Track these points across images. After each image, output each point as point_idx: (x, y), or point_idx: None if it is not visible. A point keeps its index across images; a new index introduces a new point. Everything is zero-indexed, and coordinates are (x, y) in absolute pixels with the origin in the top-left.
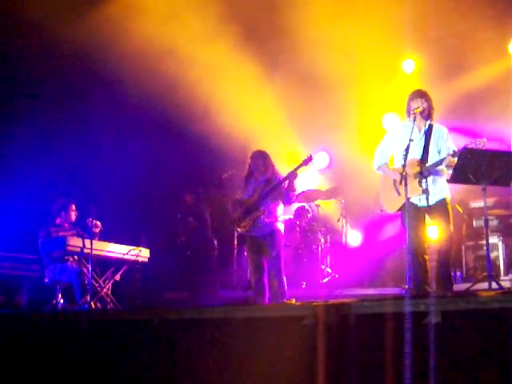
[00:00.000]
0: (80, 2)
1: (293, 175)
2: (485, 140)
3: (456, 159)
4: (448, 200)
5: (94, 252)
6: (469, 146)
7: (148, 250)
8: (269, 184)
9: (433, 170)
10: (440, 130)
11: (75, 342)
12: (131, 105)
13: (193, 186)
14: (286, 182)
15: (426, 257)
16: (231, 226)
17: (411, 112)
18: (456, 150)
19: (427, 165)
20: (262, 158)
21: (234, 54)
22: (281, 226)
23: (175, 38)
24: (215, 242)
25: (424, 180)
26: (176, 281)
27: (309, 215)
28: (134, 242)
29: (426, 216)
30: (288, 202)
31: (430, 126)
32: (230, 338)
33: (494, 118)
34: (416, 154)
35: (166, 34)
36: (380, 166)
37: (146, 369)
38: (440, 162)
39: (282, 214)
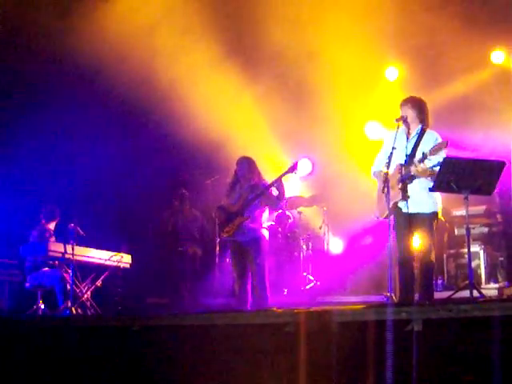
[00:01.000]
0: None
1: (278, 182)
2: (447, 142)
3: (427, 165)
4: (437, 214)
5: (76, 257)
6: (433, 150)
7: (129, 256)
8: (254, 190)
9: (412, 177)
10: (431, 136)
11: (55, 347)
12: (111, 109)
13: (175, 192)
14: (274, 189)
15: (411, 264)
16: (212, 232)
17: (395, 120)
18: (426, 153)
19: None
20: (247, 164)
21: (216, 61)
22: (265, 233)
23: (158, 41)
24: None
25: (407, 185)
26: (158, 287)
27: (289, 221)
28: (115, 247)
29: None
30: (277, 209)
31: (421, 132)
32: (211, 345)
33: (476, 127)
34: (402, 160)
35: (147, 35)
36: (375, 172)
37: (127, 375)
38: (409, 169)
39: (267, 220)
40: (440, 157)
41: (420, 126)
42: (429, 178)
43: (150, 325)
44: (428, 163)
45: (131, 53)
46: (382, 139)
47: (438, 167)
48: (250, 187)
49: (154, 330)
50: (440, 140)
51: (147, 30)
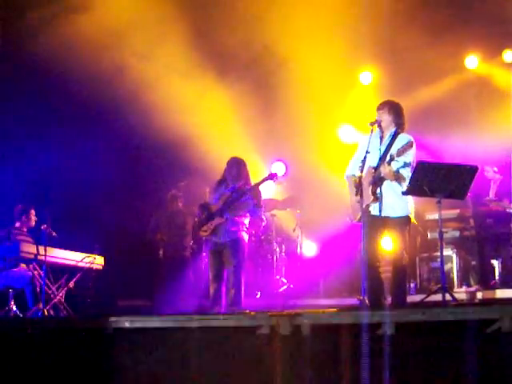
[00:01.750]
0: None
1: (255, 190)
2: (412, 142)
3: (393, 167)
4: (409, 218)
5: (48, 259)
6: (400, 151)
7: (102, 258)
8: (236, 192)
9: (384, 178)
10: (403, 139)
11: (26, 349)
12: (81, 110)
13: (148, 194)
14: (251, 195)
15: (380, 268)
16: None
17: (369, 124)
18: (393, 155)
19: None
20: (236, 165)
21: (190, 65)
22: (245, 236)
23: (130, 43)
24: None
25: (378, 188)
26: (130, 289)
27: (263, 223)
28: (88, 249)
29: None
30: (256, 215)
31: (394, 135)
32: (184, 347)
33: (450, 132)
34: (375, 163)
35: (120, 38)
36: (348, 176)
37: (99, 377)
38: (379, 171)
39: (248, 224)
40: (406, 158)
41: (394, 130)
42: (394, 182)
43: (123, 327)
44: (395, 164)
45: (100, 54)
46: (356, 143)
47: (404, 170)
48: (234, 189)
49: (126, 332)
50: (410, 142)
51: (120, 32)
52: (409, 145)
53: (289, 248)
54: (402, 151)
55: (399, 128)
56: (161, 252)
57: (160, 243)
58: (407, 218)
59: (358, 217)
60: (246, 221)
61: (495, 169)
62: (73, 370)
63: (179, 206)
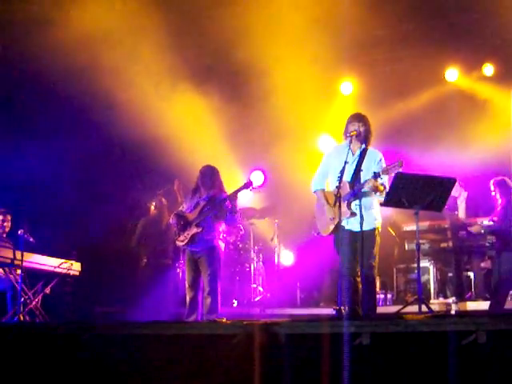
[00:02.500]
0: None
1: (233, 198)
2: (402, 162)
3: (378, 182)
4: (378, 230)
5: (25, 264)
6: (387, 169)
7: (79, 264)
8: (211, 201)
9: (360, 194)
10: (373, 154)
11: (2, 355)
12: (59, 113)
13: (128, 200)
14: (227, 204)
15: (358, 279)
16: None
17: (347, 135)
18: (377, 172)
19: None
20: (209, 173)
21: (171, 74)
22: (221, 244)
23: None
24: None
25: (353, 203)
26: (107, 295)
27: (241, 232)
28: (65, 255)
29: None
30: (232, 223)
31: (364, 150)
32: (160, 355)
33: (430, 143)
34: (348, 177)
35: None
36: (316, 191)
37: (76, 382)
38: (362, 185)
39: (223, 232)
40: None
41: (364, 145)
42: (378, 194)
43: (100, 333)
44: (379, 182)
45: (75, 57)
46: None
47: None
48: (209, 198)
49: (102, 338)
50: (383, 159)
51: (101, 36)
52: (398, 165)
53: (266, 257)
54: (390, 169)
55: (368, 143)
56: (144, 259)
57: (143, 250)
58: (376, 230)
59: (327, 230)
60: (222, 229)
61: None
62: (47, 376)
63: (163, 212)
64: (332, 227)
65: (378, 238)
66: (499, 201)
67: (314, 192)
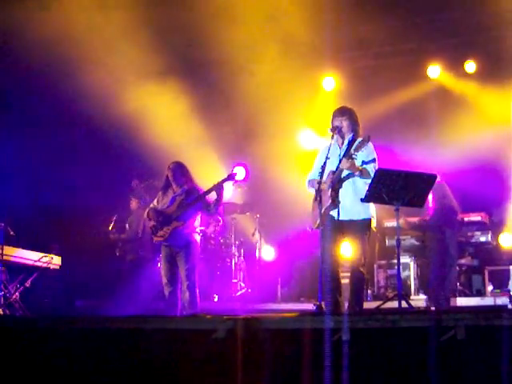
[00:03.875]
0: None
1: (218, 188)
2: (368, 136)
3: (355, 163)
4: (370, 222)
5: (5, 258)
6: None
7: (60, 258)
8: (189, 195)
9: (343, 180)
10: (361, 144)
11: None
12: (41, 110)
13: (107, 194)
14: (212, 194)
15: (340, 273)
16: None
17: (329, 130)
18: (350, 152)
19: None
20: (179, 169)
21: (153, 71)
22: (197, 238)
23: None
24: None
25: (337, 191)
26: (89, 289)
27: (220, 223)
28: (45, 248)
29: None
30: (215, 214)
31: (353, 140)
32: (140, 349)
33: (411, 139)
34: (334, 167)
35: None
36: (310, 181)
37: (56, 377)
38: (341, 169)
39: (199, 225)
40: (365, 154)
41: (351, 136)
42: (357, 173)
43: (79, 327)
44: (354, 162)
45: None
46: (316, 148)
47: (368, 165)
48: (185, 192)
49: (83, 332)
50: (368, 146)
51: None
52: (364, 140)
53: (247, 252)
54: (358, 147)
55: (356, 134)
56: (118, 252)
57: (121, 244)
58: (368, 222)
59: (315, 224)
60: (198, 222)
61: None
62: (27, 370)
63: (140, 206)
64: (318, 220)
65: (368, 231)
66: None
67: (308, 184)
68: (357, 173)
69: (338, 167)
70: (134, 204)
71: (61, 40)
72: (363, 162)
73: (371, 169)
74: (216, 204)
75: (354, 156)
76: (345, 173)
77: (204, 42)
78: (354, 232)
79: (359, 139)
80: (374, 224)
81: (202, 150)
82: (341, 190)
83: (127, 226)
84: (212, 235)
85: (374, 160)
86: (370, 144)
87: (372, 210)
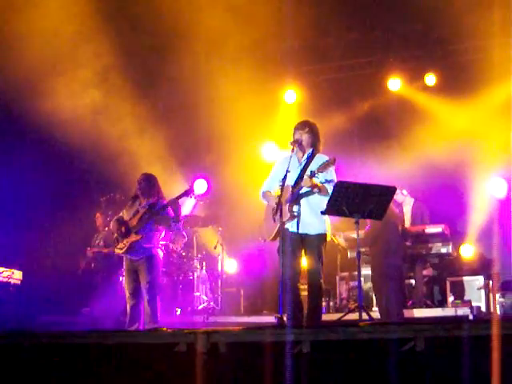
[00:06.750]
0: None
1: (173, 204)
2: (334, 159)
3: (315, 180)
4: (325, 236)
5: None
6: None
7: (21, 272)
8: (151, 209)
9: (302, 196)
10: (320, 159)
11: None
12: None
13: (73, 208)
14: (170, 210)
15: (300, 285)
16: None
17: (290, 143)
18: (313, 171)
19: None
20: (148, 181)
21: (116, 79)
22: (160, 252)
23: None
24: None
25: (295, 205)
26: (51, 304)
27: (184, 240)
28: (6, 263)
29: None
30: (176, 231)
31: (312, 155)
32: (101, 364)
33: (372, 153)
34: (292, 182)
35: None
36: (264, 193)
37: None
38: (301, 185)
39: (161, 240)
40: (328, 174)
41: (311, 150)
42: (316, 190)
43: (40, 343)
44: (316, 180)
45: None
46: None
47: (328, 185)
48: (148, 205)
49: (44, 347)
50: (333, 169)
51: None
52: (330, 162)
53: (210, 265)
54: (323, 167)
55: (315, 149)
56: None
57: (95, 260)
58: (324, 236)
59: (273, 235)
60: (161, 236)
61: (404, 192)
62: None
63: (106, 221)
64: (275, 232)
65: (324, 244)
66: None
67: (262, 196)
68: (315, 189)
69: (296, 182)
70: (99, 220)
71: None
72: (325, 181)
73: (330, 187)
74: (174, 220)
75: (316, 175)
76: (304, 189)
77: (165, 56)
78: (310, 246)
79: (325, 159)
80: (329, 238)
81: (162, 164)
82: (299, 204)
83: (102, 241)
84: (175, 248)
85: (333, 181)
86: (333, 167)
87: (328, 223)
